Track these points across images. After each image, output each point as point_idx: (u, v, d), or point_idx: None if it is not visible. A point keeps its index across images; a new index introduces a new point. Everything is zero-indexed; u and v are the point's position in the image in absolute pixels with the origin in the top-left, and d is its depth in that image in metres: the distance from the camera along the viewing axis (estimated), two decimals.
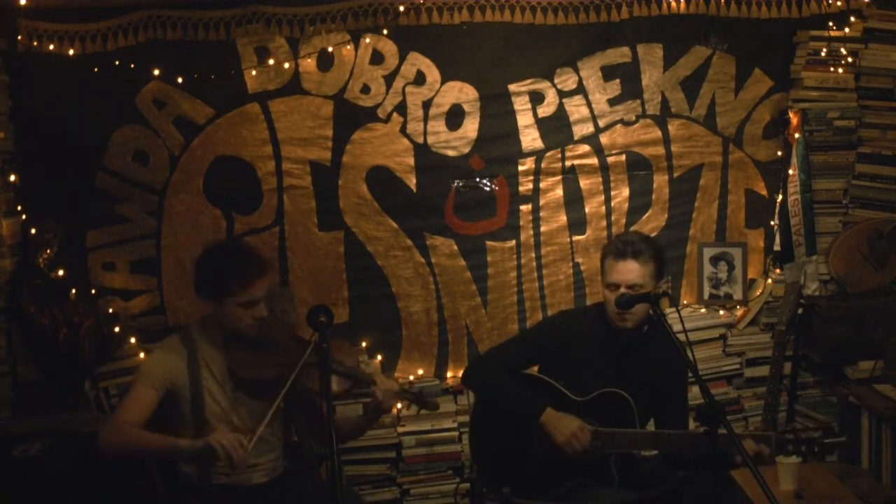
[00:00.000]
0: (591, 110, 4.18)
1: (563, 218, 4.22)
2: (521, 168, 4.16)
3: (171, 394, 2.94)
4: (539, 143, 4.16)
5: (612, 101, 4.18)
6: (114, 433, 2.86)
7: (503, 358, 3.29)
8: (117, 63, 3.87)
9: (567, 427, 3.05)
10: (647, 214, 4.25)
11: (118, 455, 2.85)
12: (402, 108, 4.09)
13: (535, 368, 3.43)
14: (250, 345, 2.99)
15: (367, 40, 4.03)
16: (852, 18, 4.15)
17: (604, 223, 4.22)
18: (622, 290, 3.09)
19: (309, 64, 4.02)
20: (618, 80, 4.17)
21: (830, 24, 4.15)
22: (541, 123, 4.16)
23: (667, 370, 3.19)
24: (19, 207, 3.84)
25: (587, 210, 4.22)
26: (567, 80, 4.15)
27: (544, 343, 3.28)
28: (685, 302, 4.31)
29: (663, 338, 3.26)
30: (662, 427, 3.20)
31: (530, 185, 4.18)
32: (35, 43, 3.81)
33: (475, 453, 3.35)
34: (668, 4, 4.12)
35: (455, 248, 4.17)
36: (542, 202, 4.20)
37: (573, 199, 4.21)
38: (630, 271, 3.10)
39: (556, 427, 3.05)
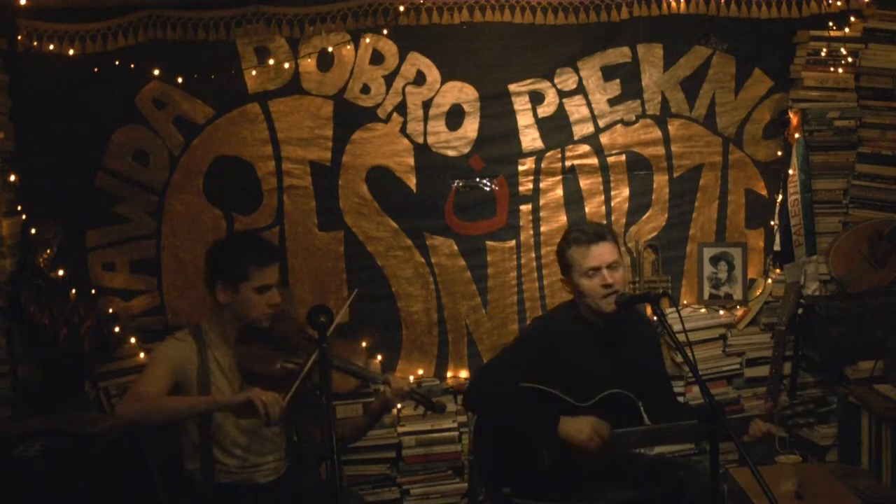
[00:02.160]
0: (591, 110, 4.18)
1: (563, 218, 4.22)
2: (521, 168, 4.17)
3: (179, 384, 2.95)
4: (539, 143, 4.17)
5: (612, 101, 4.18)
6: (135, 402, 2.84)
7: (500, 376, 3.22)
8: (117, 63, 3.87)
9: (584, 427, 3.03)
10: (647, 214, 4.25)
11: (137, 421, 2.84)
12: (402, 108, 4.09)
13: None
14: (260, 339, 3.01)
15: (367, 40, 4.03)
16: (852, 18, 4.16)
17: (604, 223, 4.22)
18: (604, 271, 3.13)
19: (309, 64, 4.02)
20: (618, 80, 4.17)
21: (830, 24, 4.16)
22: (541, 123, 4.16)
23: (644, 348, 3.27)
24: (19, 207, 3.84)
25: (587, 210, 4.22)
26: (567, 80, 4.15)
27: (534, 353, 3.22)
28: (685, 302, 4.31)
29: (632, 319, 3.29)
30: (653, 407, 3.25)
31: (530, 185, 4.18)
32: (35, 43, 3.81)
33: (477, 454, 3.34)
34: (668, 4, 4.12)
35: (455, 248, 4.18)
36: (542, 202, 4.20)
37: (573, 199, 4.21)
38: (605, 252, 3.16)
39: (575, 430, 3.03)
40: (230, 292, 2.98)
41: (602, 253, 3.15)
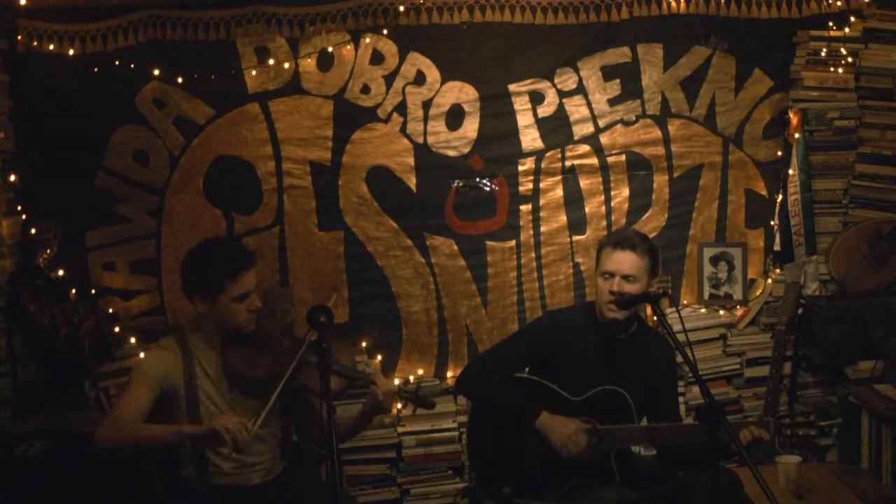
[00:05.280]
0: (591, 110, 4.18)
1: (563, 218, 4.22)
2: (521, 168, 4.17)
3: (166, 394, 2.93)
4: (539, 143, 4.17)
5: (612, 101, 4.18)
6: (112, 427, 2.84)
7: (495, 363, 3.28)
8: (117, 63, 3.87)
9: (563, 430, 3.05)
10: (647, 214, 4.25)
11: (115, 449, 2.85)
12: (402, 108, 4.09)
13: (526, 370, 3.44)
14: (246, 343, 2.99)
15: (367, 40, 4.03)
16: (852, 18, 4.16)
17: (604, 223, 4.22)
18: (616, 278, 3.12)
19: (309, 64, 4.02)
20: (618, 80, 4.17)
21: (830, 24, 4.16)
22: (541, 123, 4.16)
23: (655, 369, 3.22)
24: (19, 207, 3.84)
25: (587, 210, 4.22)
26: (567, 80, 4.15)
27: (536, 345, 3.27)
28: (685, 302, 4.31)
29: (652, 337, 3.30)
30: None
31: (530, 185, 4.18)
32: (35, 43, 3.81)
33: (473, 453, 3.35)
34: (668, 4, 4.12)
35: (455, 248, 4.18)
36: (542, 202, 4.20)
37: (573, 199, 4.21)
38: (625, 261, 3.13)
39: (553, 430, 3.05)
40: (209, 303, 2.95)
41: (621, 261, 3.13)
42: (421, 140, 4.11)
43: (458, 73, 4.09)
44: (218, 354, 2.99)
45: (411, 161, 4.11)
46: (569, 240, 4.23)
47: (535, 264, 4.23)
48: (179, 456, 3.02)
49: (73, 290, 3.86)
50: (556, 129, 4.17)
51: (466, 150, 4.13)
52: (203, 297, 2.95)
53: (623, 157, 4.22)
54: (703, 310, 4.27)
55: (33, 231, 3.81)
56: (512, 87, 4.12)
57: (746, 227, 4.32)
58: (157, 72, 3.90)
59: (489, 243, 4.20)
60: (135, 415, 2.85)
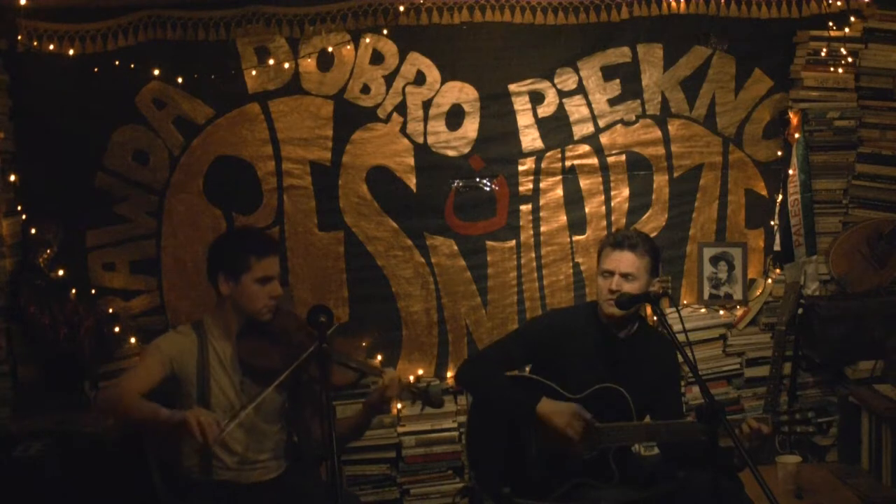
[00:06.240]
0: (591, 110, 4.18)
1: (563, 218, 4.22)
2: (521, 168, 4.17)
3: (177, 377, 2.95)
4: (539, 143, 4.17)
5: (612, 101, 4.19)
6: (112, 395, 2.91)
7: (496, 357, 3.30)
8: (117, 63, 3.87)
9: (564, 411, 3.05)
10: (647, 214, 4.25)
11: (109, 415, 2.92)
12: (402, 108, 4.09)
13: (528, 368, 3.44)
14: (261, 334, 3.01)
15: (367, 40, 4.03)
16: (852, 18, 4.16)
17: (604, 223, 4.23)
18: (615, 277, 3.13)
19: (309, 64, 4.02)
20: (618, 80, 4.17)
21: (830, 24, 4.16)
22: (541, 123, 4.16)
23: (656, 368, 3.22)
24: (19, 207, 3.85)
25: (587, 210, 4.22)
26: (567, 80, 4.15)
27: (536, 341, 3.28)
28: (685, 302, 4.31)
29: (653, 337, 3.30)
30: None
31: (530, 185, 4.19)
32: (35, 43, 3.82)
33: (472, 454, 3.35)
34: (668, 4, 4.12)
35: (455, 248, 4.18)
36: (542, 202, 4.20)
37: (573, 199, 4.21)
38: (624, 260, 3.14)
39: (554, 413, 3.05)
40: (232, 284, 2.98)
41: (620, 259, 3.14)
42: (421, 140, 4.11)
43: (458, 73, 4.09)
44: (233, 344, 3.01)
45: (411, 161, 4.11)
46: (569, 240, 4.23)
47: (535, 264, 4.23)
48: (182, 448, 3.02)
49: (73, 290, 3.86)
50: (556, 129, 4.17)
51: (466, 150, 4.14)
52: (227, 276, 2.98)
53: (623, 157, 4.22)
54: (703, 310, 4.27)
55: (33, 231, 3.81)
56: (512, 87, 4.12)
57: (746, 227, 4.32)
58: (157, 72, 3.90)
59: (489, 243, 4.20)
60: (137, 386, 2.86)
